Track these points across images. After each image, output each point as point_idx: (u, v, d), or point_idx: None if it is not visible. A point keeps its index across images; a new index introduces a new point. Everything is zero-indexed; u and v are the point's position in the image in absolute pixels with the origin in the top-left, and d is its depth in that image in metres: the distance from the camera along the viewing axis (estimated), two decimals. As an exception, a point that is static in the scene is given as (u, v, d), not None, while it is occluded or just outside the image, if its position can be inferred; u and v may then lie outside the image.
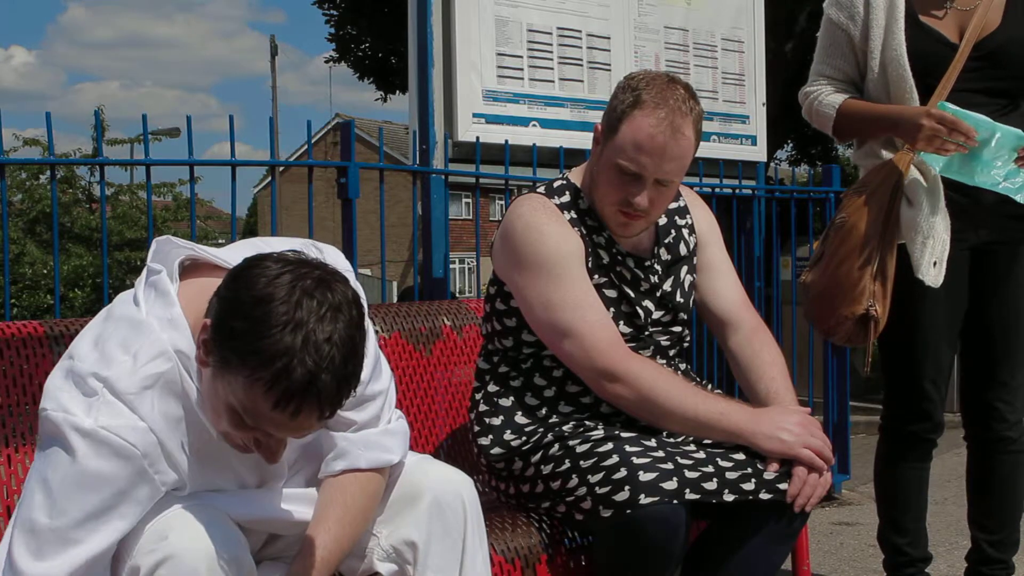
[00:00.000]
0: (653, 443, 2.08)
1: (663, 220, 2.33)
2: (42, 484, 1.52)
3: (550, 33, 3.61)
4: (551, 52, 3.61)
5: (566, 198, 2.25)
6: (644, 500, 1.94)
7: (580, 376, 2.16)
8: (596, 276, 2.21)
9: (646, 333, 2.25)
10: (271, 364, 1.43)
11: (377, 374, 1.80)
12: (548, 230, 2.18)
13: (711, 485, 2.00)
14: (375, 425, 1.80)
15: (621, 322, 2.21)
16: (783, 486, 2.05)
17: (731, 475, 2.03)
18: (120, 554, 1.57)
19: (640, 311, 2.24)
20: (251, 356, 1.44)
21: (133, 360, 1.56)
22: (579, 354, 2.13)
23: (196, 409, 1.59)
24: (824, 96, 2.72)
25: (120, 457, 1.52)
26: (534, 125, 3.57)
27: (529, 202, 2.24)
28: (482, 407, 2.27)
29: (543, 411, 2.20)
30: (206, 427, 1.61)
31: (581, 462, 2.06)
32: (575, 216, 2.23)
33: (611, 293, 2.22)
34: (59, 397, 1.56)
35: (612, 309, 2.21)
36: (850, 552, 3.76)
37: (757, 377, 2.27)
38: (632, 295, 2.24)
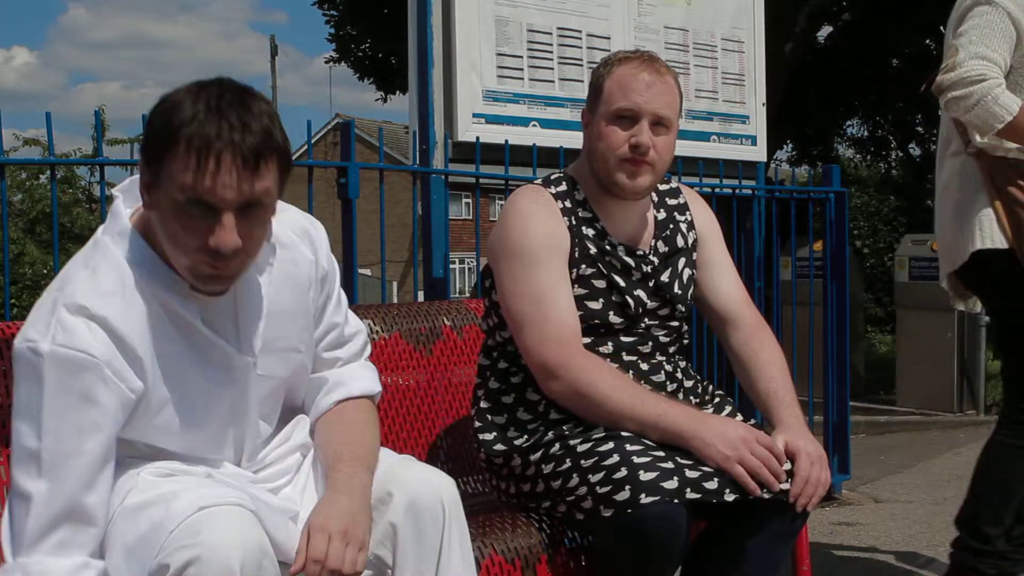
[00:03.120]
0: (653, 443, 2.08)
1: (662, 215, 2.34)
2: (24, 414, 1.57)
3: (550, 33, 3.61)
4: (551, 52, 3.61)
5: (563, 187, 2.26)
6: (645, 499, 1.93)
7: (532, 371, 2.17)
8: (584, 266, 2.21)
9: (642, 326, 2.25)
10: (182, 129, 1.52)
11: (352, 320, 1.97)
12: (534, 220, 2.19)
13: (712, 484, 2.00)
14: (358, 360, 1.97)
15: (612, 312, 2.21)
16: (784, 485, 2.05)
17: (732, 475, 2.03)
18: (143, 551, 1.54)
19: (631, 300, 2.23)
20: (166, 138, 1.53)
21: (93, 272, 1.63)
22: (529, 347, 2.14)
23: (164, 291, 1.64)
24: (1003, 95, 2.65)
25: (80, 368, 1.57)
26: (534, 125, 3.57)
27: (524, 192, 2.26)
28: (483, 404, 2.27)
29: (542, 407, 2.20)
30: (173, 332, 1.65)
31: (582, 461, 2.06)
32: (568, 205, 2.23)
33: (600, 283, 2.22)
34: (23, 331, 1.61)
35: (602, 300, 2.21)
36: (850, 552, 3.76)
37: (757, 376, 2.27)
38: (623, 284, 2.23)
